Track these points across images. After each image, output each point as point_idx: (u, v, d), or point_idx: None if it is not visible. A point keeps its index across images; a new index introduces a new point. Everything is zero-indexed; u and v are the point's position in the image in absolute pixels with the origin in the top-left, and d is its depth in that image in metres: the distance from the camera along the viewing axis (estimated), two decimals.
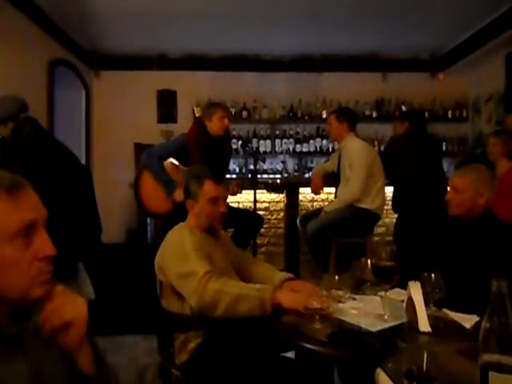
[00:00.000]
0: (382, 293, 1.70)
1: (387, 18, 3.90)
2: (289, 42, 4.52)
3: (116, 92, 4.90)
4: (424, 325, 1.33)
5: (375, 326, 1.40)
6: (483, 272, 1.78)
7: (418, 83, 4.90)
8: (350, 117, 3.25)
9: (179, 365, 1.70)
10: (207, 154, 2.87)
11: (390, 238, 3.75)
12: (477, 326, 1.36)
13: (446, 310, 1.49)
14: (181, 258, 1.63)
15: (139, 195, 3.03)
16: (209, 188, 1.80)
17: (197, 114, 4.87)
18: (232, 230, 2.95)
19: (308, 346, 1.32)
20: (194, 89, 4.88)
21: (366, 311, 1.52)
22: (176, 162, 2.99)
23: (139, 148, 4.59)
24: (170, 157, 2.95)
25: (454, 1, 3.58)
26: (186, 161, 2.94)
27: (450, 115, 4.89)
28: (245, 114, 4.83)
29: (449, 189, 2.10)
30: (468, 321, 1.40)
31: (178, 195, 2.85)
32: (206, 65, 4.92)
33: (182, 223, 1.86)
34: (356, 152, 3.10)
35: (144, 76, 4.90)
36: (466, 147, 4.79)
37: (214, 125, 2.93)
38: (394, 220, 3.69)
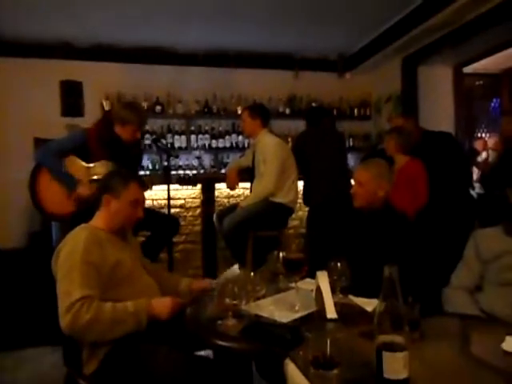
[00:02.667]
0: (293, 284, 1.76)
1: (300, 17, 4.01)
2: (203, 35, 4.44)
3: (12, 82, 4.42)
4: (331, 312, 1.39)
5: (287, 317, 1.44)
6: (383, 259, 1.94)
7: (327, 82, 5.15)
8: (262, 113, 3.31)
9: (88, 375, 1.60)
10: (113, 154, 2.71)
11: (303, 230, 3.90)
12: None
13: (351, 296, 1.58)
14: (66, 269, 1.56)
15: (36, 195, 2.76)
16: (134, 190, 1.77)
17: (106, 108, 4.59)
18: (147, 233, 2.84)
19: (220, 342, 1.32)
20: (102, 81, 4.58)
21: (280, 304, 1.56)
22: (78, 159, 2.78)
23: (40, 143, 4.18)
24: (68, 153, 2.73)
25: (360, 5, 3.81)
26: (87, 158, 2.75)
27: (355, 113, 5.23)
28: (158, 108, 4.67)
29: (353, 182, 2.23)
30: (370, 305, 1.51)
31: (83, 190, 2.66)
32: (116, 56, 4.63)
33: (83, 224, 1.76)
34: (270, 148, 3.17)
35: (45, 65, 4.48)
36: (369, 143, 5.16)
37: (124, 133, 2.75)
38: (307, 213, 3.86)
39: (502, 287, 1.73)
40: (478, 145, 5.17)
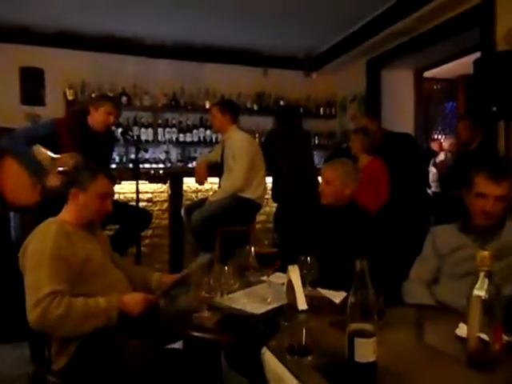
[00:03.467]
0: (265, 277, 1.83)
1: (270, 15, 4.07)
2: (172, 27, 4.41)
3: None
4: (302, 304, 1.47)
5: (259, 309, 1.50)
6: (348, 253, 2.04)
7: (295, 80, 5.25)
8: (232, 109, 3.34)
9: (57, 371, 1.59)
10: (83, 147, 2.66)
11: (270, 226, 3.98)
12: (345, 300, 1.57)
13: (319, 289, 1.67)
14: (34, 263, 1.54)
15: None
16: (102, 183, 1.75)
17: (69, 98, 4.46)
18: (114, 226, 2.81)
19: (197, 334, 1.36)
20: (66, 69, 4.44)
21: (252, 297, 1.62)
22: (45, 150, 2.70)
23: None
24: (35, 142, 2.66)
25: (327, 7, 3.92)
26: (53, 149, 2.69)
27: (321, 112, 5.37)
28: (124, 99, 4.59)
29: (321, 180, 2.32)
30: (337, 296, 1.60)
31: (51, 180, 2.60)
32: (81, 44, 4.51)
33: (51, 218, 1.73)
34: (239, 144, 3.21)
35: (3, 50, 4.28)
36: (334, 142, 5.32)
37: (99, 117, 2.74)
38: (274, 209, 3.94)
39: (456, 280, 1.87)
40: (434, 146, 5.47)
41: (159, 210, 3.69)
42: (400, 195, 3.25)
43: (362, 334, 0.94)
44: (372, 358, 0.94)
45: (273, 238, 1.71)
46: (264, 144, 3.63)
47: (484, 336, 0.99)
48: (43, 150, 2.65)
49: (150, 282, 1.95)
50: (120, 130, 3.20)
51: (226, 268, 1.62)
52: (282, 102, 5.14)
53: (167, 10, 3.94)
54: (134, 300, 1.62)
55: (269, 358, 1.09)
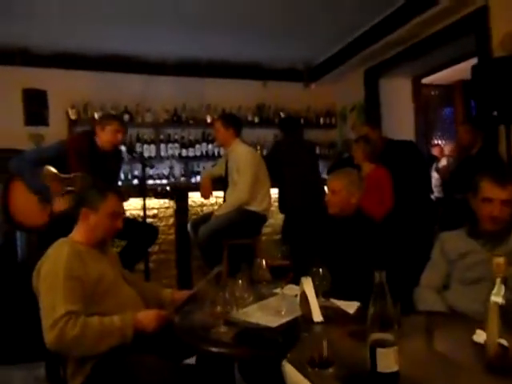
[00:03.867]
0: (277, 290, 1.84)
1: (268, 28, 4.14)
2: (173, 45, 4.48)
3: None
4: (317, 315, 1.48)
5: (275, 322, 1.51)
6: (358, 262, 2.06)
7: (294, 92, 5.31)
8: (235, 123, 3.38)
9: None
10: (91, 168, 2.69)
11: (276, 238, 4.00)
12: (358, 310, 1.58)
13: (332, 300, 1.68)
14: (49, 284, 1.56)
15: (8, 206, 2.69)
16: (112, 202, 1.77)
17: (72, 117, 4.51)
18: (124, 241, 2.82)
19: (215, 349, 1.37)
20: (68, 89, 4.50)
21: (266, 310, 1.63)
22: (55, 170, 2.74)
23: (2, 153, 4.04)
24: (44, 163, 2.69)
25: (324, 18, 3.99)
26: (63, 170, 2.72)
27: (321, 122, 5.42)
28: (126, 117, 4.64)
29: (327, 191, 2.35)
30: (351, 307, 1.61)
31: (58, 204, 2.63)
32: (82, 64, 4.58)
33: (63, 239, 1.75)
34: (243, 157, 3.24)
35: (5, 72, 4.34)
36: (335, 151, 5.36)
37: (105, 136, 2.77)
38: (279, 221, 3.96)
39: (466, 285, 1.87)
40: (435, 151, 5.51)
41: (165, 225, 3.71)
42: (404, 202, 3.27)
43: (384, 344, 0.95)
44: (394, 368, 0.95)
45: (284, 251, 1.72)
46: (269, 156, 3.65)
47: (503, 342, 1.00)
48: (52, 170, 2.68)
49: (161, 298, 1.96)
50: (125, 148, 3.23)
51: (240, 282, 1.63)
52: (282, 114, 5.19)
53: (167, 27, 4.01)
54: (148, 317, 1.63)
55: (289, 370, 1.10)
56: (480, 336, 1.17)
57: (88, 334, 1.48)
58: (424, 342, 1.25)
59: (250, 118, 5.10)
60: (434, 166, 4.89)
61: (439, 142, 6.11)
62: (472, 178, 2.02)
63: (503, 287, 1.01)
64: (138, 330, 1.58)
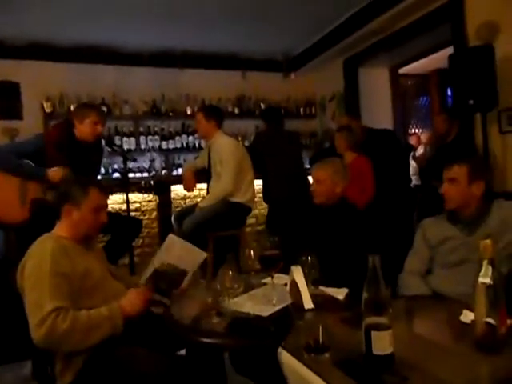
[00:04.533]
0: (266, 280, 1.86)
1: (247, 18, 4.10)
2: (148, 36, 4.38)
3: None
4: (308, 303, 1.50)
5: (266, 311, 1.53)
6: (345, 250, 2.10)
7: (274, 82, 5.30)
8: (217, 115, 3.35)
9: None
10: (70, 159, 2.62)
11: (260, 228, 4.02)
12: (347, 296, 1.61)
13: (322, 287, 1.71)
14: (34, 281, 1.53)
15: None
16: (95, 196, 1.73)
17: (47, 110, 4.38)
18: (108, 236, 2.78)
19: (208, 340, 1.37)
20: (42, 81, 4.35)
21: (257, 299, 1.64)
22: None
23: None
24: (23, 157, 2.61)
25: (303, 8, 3.98)
26: (41, 164, 2.64)
27: (302, 112, 5.44)
28: (104, 109, 4.52)
29: (311, 180, 2.37)
30: (340, 293, 1.64)
31: (54, 175, 2.54)
32: (56, 55, 4.43)
33: (46, 234, 1.71)
34: (226, 149, 3.22)
35: None
36: (316, 141, 5.39)
37: (85, 129, 2.69)
38: (262, 211, 3.98)
39: (448, 269, 1.94)
40: (412, 140, 5.62)
41: (148, 218, 3.67)
42: (385, 190, 3.34)
43: (378, 327, 0.98)
44: (389, 350, 0.98)
45: (272, 241, 1.72)
46: (251, 146, 3.65)
47: (490, 320, 1.04)
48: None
49: None
50: (104, 141, 3.16)
51: (230, 272, 1.64)
52: (262, 105, 5.18)
53: (143, 17, 3.92)
54: (130, 299, 1.63)
55: (286, 357, 1.12)
56: (467, 316, 1.22)
57: (78, 328, 1.46)
58: (413, 324, 1.29)
59: (230, 109, 5.07)
60: (412, 154, 4.98)
61: (416, 130, 6.24)
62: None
63: (490, 268, 1.05)
64: (126, 316, 1.57)
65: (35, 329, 1.44)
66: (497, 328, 1.03)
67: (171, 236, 1.92)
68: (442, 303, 1.57)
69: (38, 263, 1.56)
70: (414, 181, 4.68)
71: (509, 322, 1.07)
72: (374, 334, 0.97)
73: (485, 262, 1.06)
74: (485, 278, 1.04)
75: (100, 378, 1.56)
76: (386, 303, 1.00)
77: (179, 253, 1.83)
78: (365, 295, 1.02)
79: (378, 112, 4.79)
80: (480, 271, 1.07)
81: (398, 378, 0.95)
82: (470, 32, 3.27)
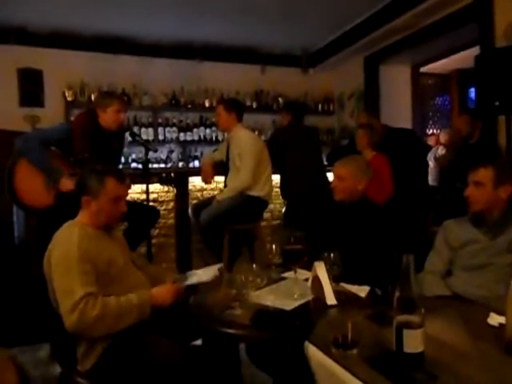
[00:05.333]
0: (287, 274, 1.87)
1: (268, 12, 4.09)
2: (170, 27, 4.40)
3: None
4: (331, 299, 1.51)
5: (289, 305, 1.54)
6: (365, 248, 2.10)
7: (292, 77, 5.28)
8: (238, 108, 3.35)
9: (84, 372, 1.60)
10: (95, 147, 2.66)
11: (275, 223, 4.03)
12: (369, 294, 1.61)
13: (343, 284, 1.71)
14: (63, 268, 1.55)
15: (13, 186, 2.65)
16: (112, 186, 1.71)
17: (69, 98, 4.43)
18: (125, 223, 2.81)
19: (232, 331, 1.39)
20: (64, 69, 4.40)
21: (279, 293, 1.66)
22: (60, 152, 2.71)
23: None
24: (51, 144, 2.66)
25: (325, 3, 3.95)
26: (68, 152, 2.68)
27: (319, 108, 5.42)
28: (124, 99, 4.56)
29: (333, 177, 2.36)
30: (362, 291, 1.65)
31: (65, 184, 2.59)
32: (78, 44, 4.47)
33: (70, 221, 1.73)
34: (245, 142, 3.23)
35: (0, 51, 4.23)
36: (334, 138, 5.37)
37: (108, 117, 2.73)
38: (278, 206, 3.98)
39: (469, 271, 1.93)
40: (430, 141, 5.56)
41: (165, 209, 3.70)
42: (404, 190, 3.31)
43: (410, 325, 0.98)
44: (420, 349, 0.98)
45: (295, 235, 1.72)
46: (272, 140, 3.64)
47: None
48: (58, 152, 2.65)
49: (166, 281, 1.96)
50: (128, 131, 3.19)
51: (254, 266, 1.66)
52: (280, 99, 5.17)
53: (165, 8, 3.93)
54: (162, 292, 1.66)
55: (313, 352, 1.13)
56: (494, 319, 1.22)
57: (108, 314, 1.49)
58: (439, 325, 1.29)
59: (248, 104, 5.06)
60: (430, 154, 4.93)
61: (434, 131, 6.17)
62: (471, 167, 2.08)
63: None
64: (154, 306, 1.60)
65: (67, 315, 1.47)
66: None
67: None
68: (466, 305, 1.57)
69: (66, 250, 1.58)
70: (431, 181, 4.64)
71: None
72: (405, 332, 0.98)
73: None
74: None
75: (121, 364, 1.58)
76: (417, 302, 1.01)
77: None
78: (397, 293, 1.02)
79: (398, 111, 4.75)
80: None
81: (427, 376, 0.96)
82: (498, 32, 3.21)
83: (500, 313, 1.21)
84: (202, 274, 1.95)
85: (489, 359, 1.06)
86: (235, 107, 3.34)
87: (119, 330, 1.54)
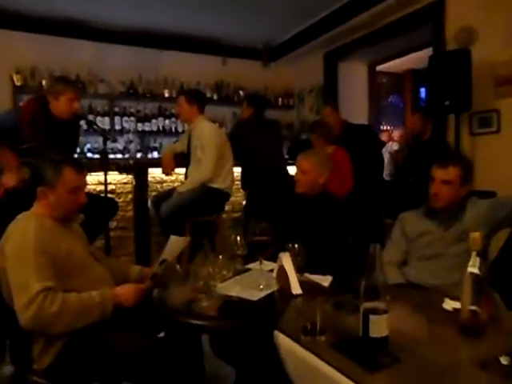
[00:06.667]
0: (252, 265, 1.89)
1: (231, 4, 4.06)
2: (129, 13, 4.24)
3: None
4: (296, 288, 1.55)
5: (255, 296, 1.56)
6: (326, 239, 2.16)
7: (253, 70, 5.29)
8: (200, 99, 3.32)
9: (41, 371, 1.54)
10: (46, 136, 2.52)
11: (235, 215, 4.03)
12: (332, 283, 1.67)
13: (307, 274, 1.75)
14: (18, 261, 1.47)
15: None
16: (69, 176, 1.63)
17: (17, 83, 4.17)
18: (82, 216, 2.70)
19: (199, 322, 1.39)
20: (11, 52, 4.13)
21: (245, 284, 1.67)
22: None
23: None
24: None
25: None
26: (17, 141, 2.52)
27: (280, 102, 5.46)
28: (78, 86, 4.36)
29: (296, 170, 2.41)
30: (325, 281, 1.70)
31: (9, 180, 2.44)
32: (27, 25, 4.20)
33: (25, 213, 1.64)
34: (207, 134, 3.20)
35: None
36: (294, 132, 5.44)
37: (61, 106, 2.59)
38: (239, 198, 3.99)
39: (423, 261, 2.04)
40: (383, 136, 5.78)
41: (123, 201, 3.59)
42: (362, 183, 3.43)
43: (376, 311, 1.03)
44: (385, 333, 1.04)
45: (261, 227, 1.74)
46: (233, 133, 3.63)
47: (475, 308, 1.12)
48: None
49: (129, 275, 1.92)
50: (85, 120, 3.05)
51: (221, 257, 1.66)
52: (241, 92, 5.16)
53: None
54: (127, 292, 1.61)
55: (282, 339, 1.16)
56: (448, 304, 1.30)
57: (67, 311, 1.43)
58: (399, 311, 1.36)
59: (208, 95, 5.00)
60: (384, 150, 5.13)
61: (387, 127, 6.42)
62: (423, 163, 2.19)
63: (478, 259, 1.12)
64: (117, 305, 1.56)
65: (22, 310, 1.40)
66: (480, 315, 1.12)
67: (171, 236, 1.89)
68: (422, 292, 1.66)
69: (21, 242, 1.50)
70: (384, 176, 4.84)
71: (489, 309, 1.16)
72: (371, 317, 1.02)
73: (473, 254, 1.14)
74: (473, 268, 1.12)
75: (81, 361, 1.53)
76: (382, 289, 1.06)
77: (173, 247, 1.82)
78: (364, 281, 1.07)
79: (355, 107, 4.89)
80: (469, 262, 1.14)
81: (391, 358, 1.01)
82: (449, 35, 3.39)
83: (453, 298, 1.30)
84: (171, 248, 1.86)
85: (446, 341, 1.13)
86: (197, 98, 3.30)
87: (79, 327, 1.48)
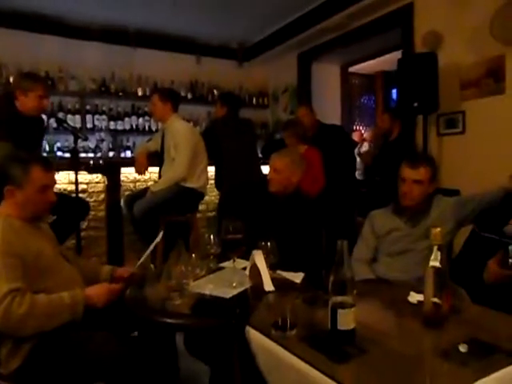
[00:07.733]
0: (225, 264, 1.90)
1: (206, 2, 4.04)
2: (101, 8, 4.16)
3: None
4: (269, 285, 1.57)
5: (228, 294, 1.58)
6: (298, 237, 2.20)
7: (228, 70, 5.29)
8: (173, 98, 3.30)
9: (8, 375, 1.50)
10: (11, 134, 2.45)
11: (210, 214, 4.03)
12: (304, 280, 1.71)
13: (279, 271, 1.79)
14: None
15: None
16: (38, 175, 1.60)
17: None
18: (53, 217, 2.65)
19: (173, 321, 1.39)
20: None
21: (218, 282, 1.69)
22: None
23: None
24: None
25: None
26: None
27: (254, 102, 5.49)
28: (48, 83, 4.25)
29: (269, 169, 2.44)
30: (297, 277, 1.73)
31: None
32: None
33: None
34: (181, 133, 3.19)
35: None
36: (268, 131, 5.48)
37: (29, 102, 2.52)
38: (213, 198, 3.99)
39: (392, 257, 2.12)
40: (355, 136, 5.90)
41: (95, 201, 3.53)
42: (334, 182, 3.50)
43: (343, 305, 1.07)
44: (352, 326, 1.07)
45: (234, 226, 1.76)
46: (208, 131, 3.62)
47: (436, 300, 1.18)
48: None
49: (100, 275, 1.90)
50: (54, 118, 2.98)
51: (194, 256, 1.67)
52: (215, 91, 5.16)
53: None
54: (98, 292, 1.60)
55: (254, 335, 1.18)
56: (413, 297, 1.36)
57: (36, 313, 1.41)
58: (366, 304, 1.41)
59: (183, 94, 4.97)
60: (356, 150, 5.24)
61: (359, 128, 6.55)
62: (390, 163, 2.25)
63: (439, 253, 1.18)
64: (88, 306, 1.54)
65: None
66: (441, 307, 1.17)
67: None
68: (389, 287, 1.72)
69: None
70: (357, 175, 4.95)
71: (450, 301, 1.22)
72: (339, 311, 1.06)
73: (435, 248, 1.19)
74: (434, 261, 1.17)
75: (50, 364, 1.51)
76: (350, 284, 1.10)
77: None
78: (332, 277, 1.10)
79: (328, 107, 4.97)
80: (431, 256, 1.19)
81: (358, 350, 1.05)
82: (418, 39, 3.50)
83: (419, 292, 1.35)
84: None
85: (410, 332, 1.19)
86: (171, 97, 3.28)
87: (49, 329, 1.46)
